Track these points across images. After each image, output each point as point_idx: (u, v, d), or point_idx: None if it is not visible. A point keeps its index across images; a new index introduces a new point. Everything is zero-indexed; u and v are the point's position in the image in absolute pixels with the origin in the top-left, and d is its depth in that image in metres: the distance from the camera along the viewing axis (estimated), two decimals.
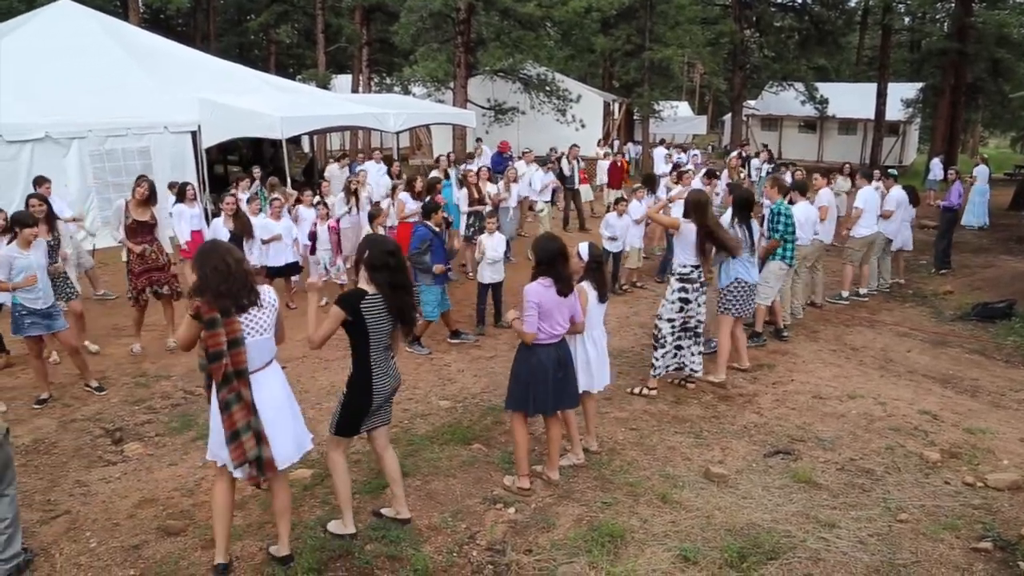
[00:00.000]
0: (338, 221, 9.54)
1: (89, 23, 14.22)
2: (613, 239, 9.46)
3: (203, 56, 16.92)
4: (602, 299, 4.92)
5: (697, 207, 6.04)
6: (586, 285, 4.83)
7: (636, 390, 6.33)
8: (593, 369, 4.94)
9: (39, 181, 8.58)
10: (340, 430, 3.94)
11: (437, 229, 7.44)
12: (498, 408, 6.01)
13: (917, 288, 10.52)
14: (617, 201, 9.78)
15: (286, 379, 3.79)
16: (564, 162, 14.45)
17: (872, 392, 6.36)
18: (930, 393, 6.45)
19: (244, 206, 9.08)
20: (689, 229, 6.02)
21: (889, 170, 10.81)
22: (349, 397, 3.88)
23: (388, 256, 3.81)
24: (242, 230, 7.95)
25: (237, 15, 35.87)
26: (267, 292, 3.66)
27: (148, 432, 5.60)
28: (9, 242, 5.83)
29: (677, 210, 7.48)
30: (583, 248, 4.94)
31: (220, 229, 7.90)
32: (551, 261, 4.36)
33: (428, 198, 8.20)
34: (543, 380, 4.41)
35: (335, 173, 12.29)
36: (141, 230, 7.19)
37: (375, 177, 12.09)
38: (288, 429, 3.67)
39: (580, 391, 4.89)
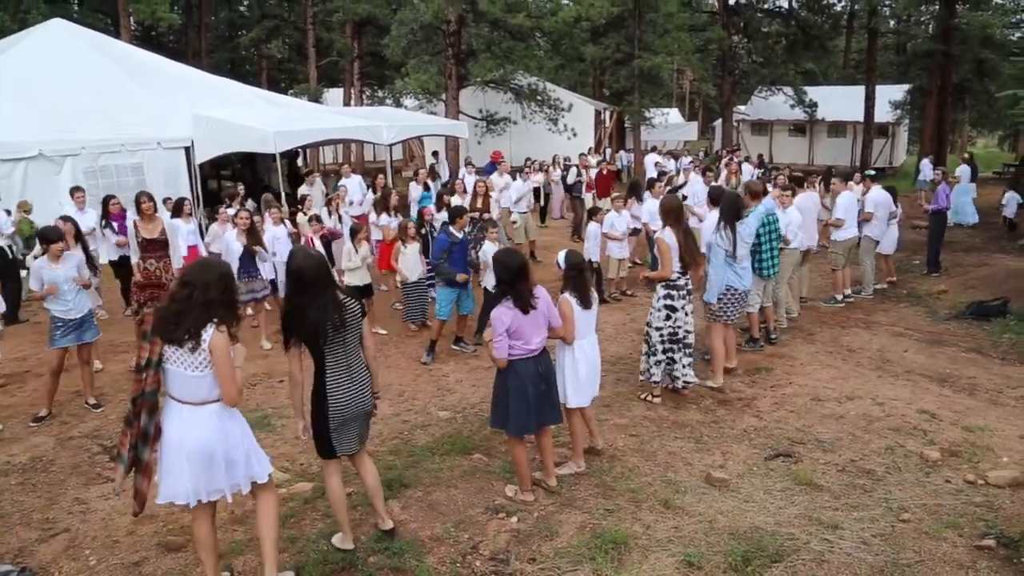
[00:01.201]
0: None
1: (81, 41, 14.26)
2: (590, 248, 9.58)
3: (195, 72, 16.95)
4: (585, 306, 4.79)
5: (669, 213, 6.05)
6: (567, 295, 4.75)
7: (644, 396, 6.34)
8: (583, 384, 4.83)
9: (73, 191, 9.37)
10: (318, 451, 3.94)
11: (460, 235, 7.55)
12: None
13: (911, 288, 10.56)
14: (593, 212, 9.85)
15: (234, 424, 3.47)
16: (572, 171, 14.59)
17: (870, 393, 6.38)
18: (928, 392, 6.47)
19: (214, 226, 9.23)
20: (671, 237, 5.97)
21: (866, 172, 10.80)
22: (312, 415, 3.83)
23: (292, 275, 3.72)
24: (255, 246, 7.99)
25: (228, 31, 36.02)
26: (206, 338, 3.29)
27: None
28: (40, 255, 6.16)
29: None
30: (560, 257, 4.92)
31: (232, 244, 7.90)
32: (511, 280, 4.32)
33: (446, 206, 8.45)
34: (523, 395, 4.36)
35: (306, 191, 12.22)
36: (151, 247, 7.28)
37: (356, 192, 12.10)
38: (201, 471, 3.36)
39: (573, 406, 4.86)
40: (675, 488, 4.73)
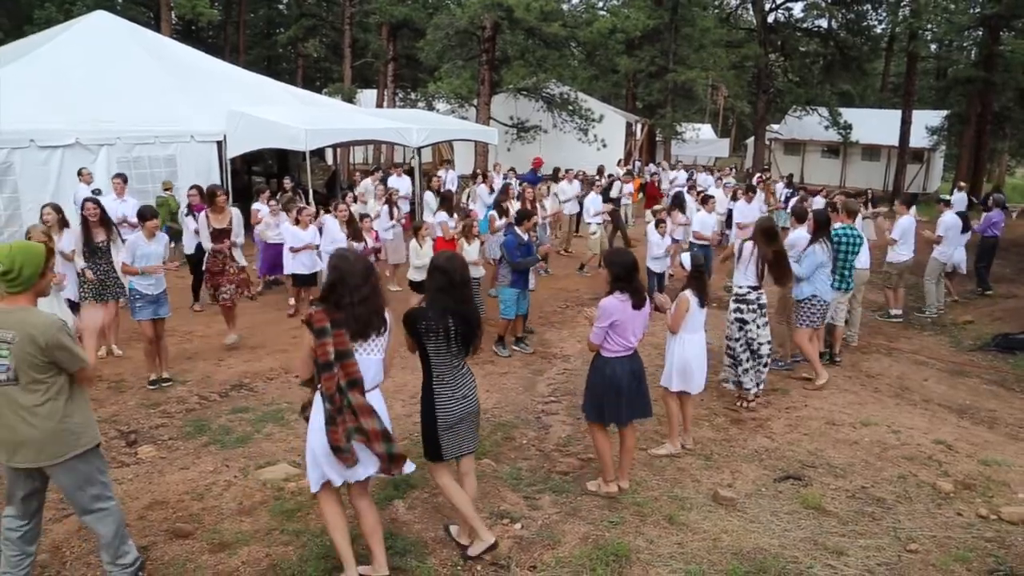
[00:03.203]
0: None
1: (122, 34, 14.57)
2: (657, 259, 9.77)
3: (231, 68, 17.26)
4: (702, 304, 5.36)
5: (765, 234, 6.31)
6: (688, 293, 5.28)
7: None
8: (688, 372, 5.33)
9: (115, 178, 9.81)
10: (426, 455, 3.92)
11: (526, 237, 7.82)
12: (508, 424, 6.04)
13: (936, 317, 10.41)
14: (658, 223, 9.88)
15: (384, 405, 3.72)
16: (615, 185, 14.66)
17: (886, 420, 6.29)
18: (946, 423, 6.37)
19: (265, 216, 9.36)
20: (747, 251, 6.26)
21: (941, 197, 11.16)
22: (421, 417, 3.87)
23: (435, 274, 3.76)
24: (355, 237, 8.28)
25: (266, 28, 36.60)
26: (389, 319, 3.58)
27: (162, 436, 5.68)
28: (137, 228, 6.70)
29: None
30: (685, 258, 5.46)
31: (336, 234, 8.20)
32: (627, 275, 4.48)
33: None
34: (616, 391, 4.56)
35: (368, 187, 12.53)
36: (220, 236, 7.74)
37: (403, 191, 12.38)
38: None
39: (675, 390, 5.35)
40: (681, 504, 4.71)
